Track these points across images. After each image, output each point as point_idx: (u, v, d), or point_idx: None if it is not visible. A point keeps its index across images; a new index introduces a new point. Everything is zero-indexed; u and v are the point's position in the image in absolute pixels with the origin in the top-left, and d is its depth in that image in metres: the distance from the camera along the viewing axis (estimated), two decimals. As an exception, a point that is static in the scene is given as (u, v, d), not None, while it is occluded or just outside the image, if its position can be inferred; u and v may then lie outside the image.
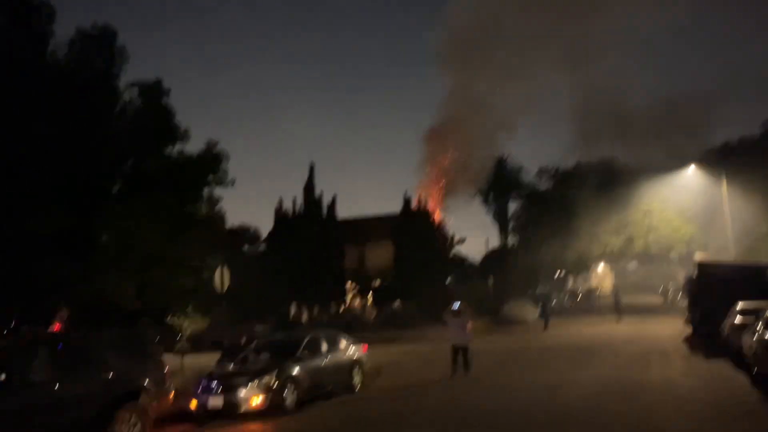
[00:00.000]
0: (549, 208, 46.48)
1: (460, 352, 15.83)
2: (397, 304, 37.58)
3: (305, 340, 13.08)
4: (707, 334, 22.21)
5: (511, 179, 54.62)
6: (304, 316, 36.35)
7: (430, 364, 18.88)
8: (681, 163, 36.24)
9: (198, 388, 11.92)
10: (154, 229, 15.85)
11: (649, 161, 41.53)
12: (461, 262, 47.06)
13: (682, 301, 32.85)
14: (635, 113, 51.58)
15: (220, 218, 21.32)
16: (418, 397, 13.70)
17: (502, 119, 53.32)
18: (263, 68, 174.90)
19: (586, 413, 10.38)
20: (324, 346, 13.42)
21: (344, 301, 38.97)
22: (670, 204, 41.39)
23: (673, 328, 27.31)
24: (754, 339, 11.98)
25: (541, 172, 50.24)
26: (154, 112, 17.27)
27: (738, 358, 15.03)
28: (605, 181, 43.11)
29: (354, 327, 33.81)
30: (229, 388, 11.51)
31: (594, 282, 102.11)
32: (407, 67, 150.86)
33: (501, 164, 55.91)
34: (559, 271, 64.76)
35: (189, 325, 30.06)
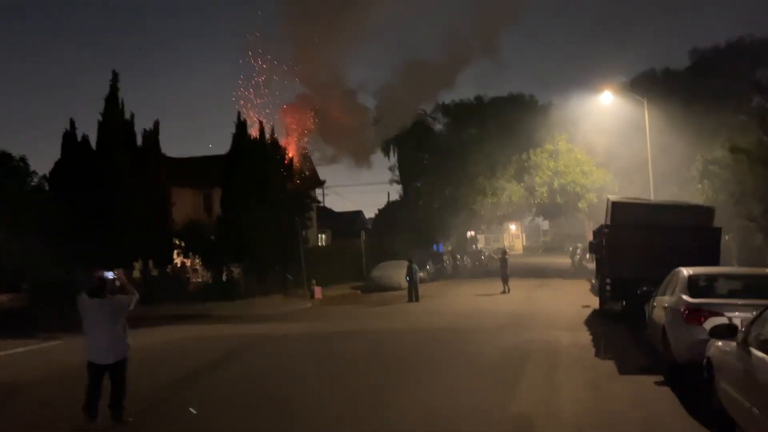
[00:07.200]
0: (442, 152, 38.49)
1: (106, 374, 7.10)
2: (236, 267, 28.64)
3: None
4: (622, 315, 14.79)
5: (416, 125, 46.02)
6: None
7: (159, 364, 10.25)
8: (594, 91, 28.74)
9: None
10: None
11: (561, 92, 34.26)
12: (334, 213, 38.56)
13: (590, 262, 25.88)
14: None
15: None
16: None
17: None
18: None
19: None
20: None
21: (169, 262, 29.53)
22: (579, 143, 34.10)
23: (576, 300, 19.96)
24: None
25: (437, 109, 42.00)
26: None
27: (689, 384, 7.28)
28: (507, 118, 35.38)
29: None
30: None
31: (506, 242, 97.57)
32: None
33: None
34: (470, 230, 57.69)
35: None
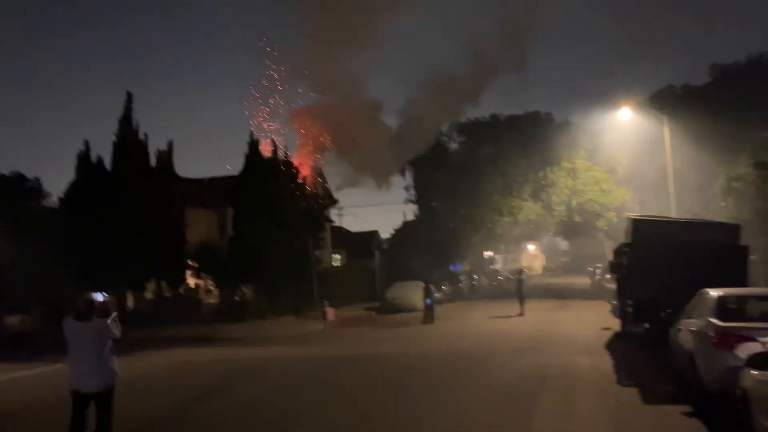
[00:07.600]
0: (457, 171, 38.01)
1: (91, 404, 6.68)
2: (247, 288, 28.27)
3: None
4: (645, 338, 14.10)
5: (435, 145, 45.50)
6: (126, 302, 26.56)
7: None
8: (613, 107, 28.12)
9: None
10: None
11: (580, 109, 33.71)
12: (347, 234, 38.20)
13: (610, 283, 25.10)
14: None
15: None
16: None
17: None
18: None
19: None
20: None
21: (181, 282, 29.20)
22: (598, 161, 33.45)
23: (596, 321, 19.23)
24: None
25: (452, 128, 41.59)
26: None
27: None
28: (523, 136, 34.95)
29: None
30: None
31: (524, 262, 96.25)
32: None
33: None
34: (487, 251, 56.91)
35: None
